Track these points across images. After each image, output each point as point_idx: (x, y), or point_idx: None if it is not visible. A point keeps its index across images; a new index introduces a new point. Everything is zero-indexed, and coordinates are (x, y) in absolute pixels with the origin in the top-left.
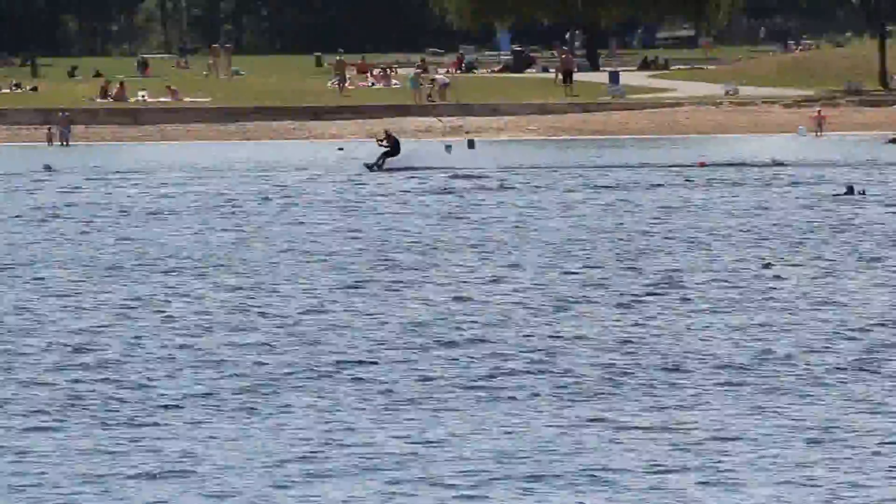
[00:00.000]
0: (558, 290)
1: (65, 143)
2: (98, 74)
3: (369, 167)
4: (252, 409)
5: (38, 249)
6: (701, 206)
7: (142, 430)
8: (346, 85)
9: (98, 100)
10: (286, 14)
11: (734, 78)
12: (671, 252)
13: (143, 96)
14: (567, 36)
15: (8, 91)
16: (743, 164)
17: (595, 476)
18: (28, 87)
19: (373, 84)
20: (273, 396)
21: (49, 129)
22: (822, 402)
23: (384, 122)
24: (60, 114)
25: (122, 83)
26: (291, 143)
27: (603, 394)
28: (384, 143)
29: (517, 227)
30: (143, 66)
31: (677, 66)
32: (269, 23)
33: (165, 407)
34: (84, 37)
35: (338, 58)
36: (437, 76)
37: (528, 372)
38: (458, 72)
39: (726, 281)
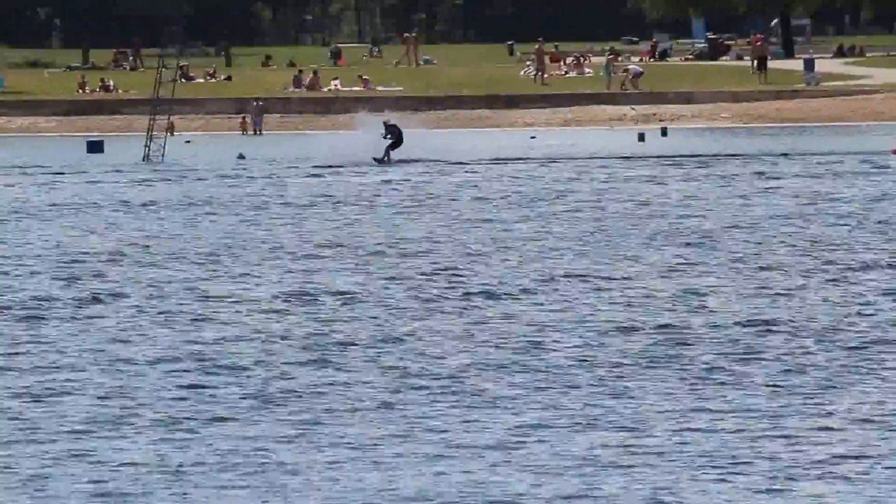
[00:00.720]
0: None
1: (257, 132)
2: (291, 64)
3: (378, 161)
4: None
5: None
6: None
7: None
8: (544, 73)
9: (291, 89)
10: (479, 3)
11: None
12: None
13: (335, 85)
14: (766, 24)
15: (202, 80)
16: None
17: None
18: (222, 77)
19: (566, 73)
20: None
21: (244, 118)
22: None
23: (578, 111)
24: (254, 103)
25: (315, 72)
26: (484, 132)
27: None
28: (388, 136)
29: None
30: (337, 55)
31: (873, 54)
32: (461, 12)
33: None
34: (278, 26)
35: (536, 46)
36: (630, 66)
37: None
38: (652, 60)
39: None
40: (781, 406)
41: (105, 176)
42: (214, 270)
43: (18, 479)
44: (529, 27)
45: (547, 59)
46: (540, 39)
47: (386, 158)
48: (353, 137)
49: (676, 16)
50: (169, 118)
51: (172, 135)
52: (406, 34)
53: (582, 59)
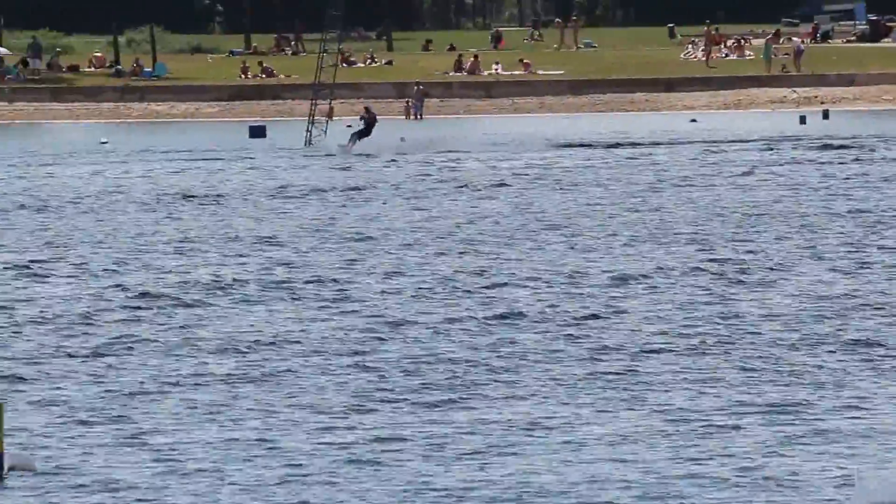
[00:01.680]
0: None
1: (418, 116)
2: (452, 48)
3: (341, 147)
4: None
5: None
6: None
7: None
8: (710, 55)
9: (452, 73)
10: None
11: None
12: None
13: (496, 69)
14: None
15: (363, 65)
16: None
17: None
18: (383, 61)
19: (727, 55)
20: None
21: (407, 102)
22: None
23: (738, 94)
24: (415, 87)
25: (475, 56)
26: (644, 115)
27: None
28: (361, 121)
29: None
30: (497, 39)
31: None
32: None
33: None
34: (438, 10)
35: (705, 28)
36: (794, 39)
37: None
38: (813, 42)
39: None
40: None
41: (270, 160)
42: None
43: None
44: (690, 10)
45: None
46: (707, 22)
47: (349, 145)
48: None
49: None
50: (330, 103)
51: (331, 119)
52: (558, 21)
53: (743, 41)
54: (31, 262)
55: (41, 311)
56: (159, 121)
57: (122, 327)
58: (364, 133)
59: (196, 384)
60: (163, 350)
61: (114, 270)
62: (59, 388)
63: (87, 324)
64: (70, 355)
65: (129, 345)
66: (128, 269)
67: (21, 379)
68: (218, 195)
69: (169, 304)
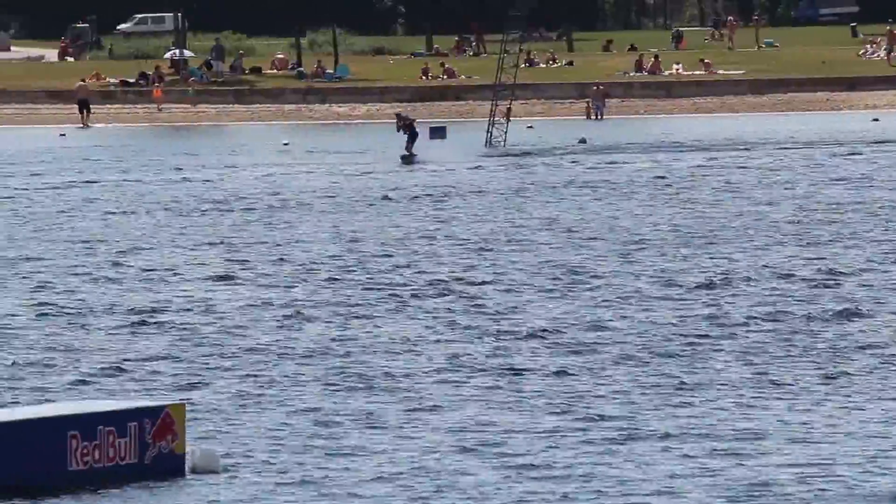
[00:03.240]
0: None
1: (599, 116)
2: (632, 48)
3: (404, 159)
4: None
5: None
6: None
7: None
8: (891, 54)
9: (632, 73)
10: None
11: None
12: None
13: (676, 69)
14: None
15: (544, 66)
16: None
17: None
18: (564, 62)
19: None
20: None
21: (588, 102)
22: None
23: None
24: (595, 87)
25: (656, 56)
26: (825, 115)
27: None
28: (402, 130)
29: None
30: (678, 38)
31: None
32: None
33: None
34: (619, 11)
35: (888, 27)
36: None
37: None
38: None
39: None
40: None
41: (451, 161)
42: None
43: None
44: (872, 8)
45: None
46: (890, 21)
47: (411, 154)
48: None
49: None
50: (510, 103)
51: (510, 120)
52: (731, 20)
53: None
54: (240, 262)
55: (245, 310)
56: (341, 122)
57: (321, 327)
58: (412, 138)
59: (415, 383)
60: (359, 350)
61: (338, 268)
62: (245, 386)
63: (293, 323)
64: (271, 353)
65: (330, 345)
66: (343, 267)
67: (210, 379)
68: (416, 196)
69: (380, 303)
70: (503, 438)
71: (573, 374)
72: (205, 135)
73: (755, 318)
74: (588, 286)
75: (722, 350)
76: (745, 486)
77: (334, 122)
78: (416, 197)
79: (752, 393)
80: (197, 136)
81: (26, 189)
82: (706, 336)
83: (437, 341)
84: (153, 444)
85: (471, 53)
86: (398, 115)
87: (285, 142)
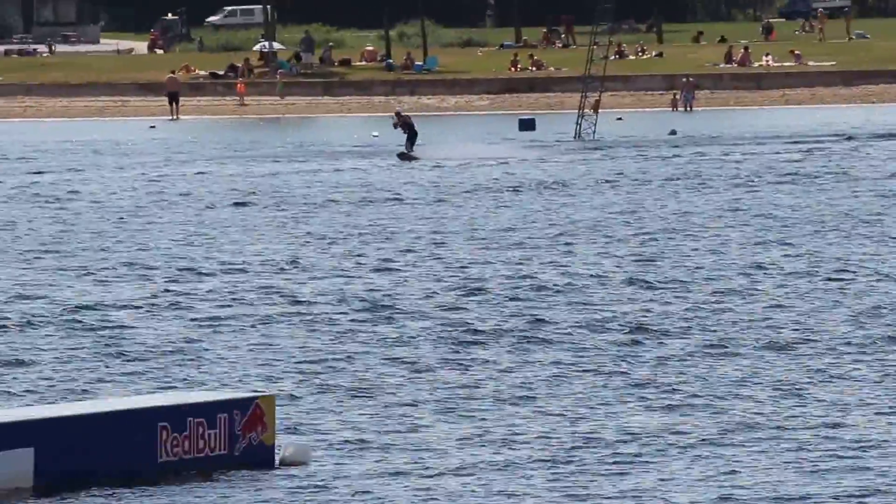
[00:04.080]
0: None
1: (688, 108)
2: (722, 39)
3: (401, 157)
4: None
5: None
6: None
7: None
8: None
9: (722, 65)
10: None
11: None
12: None
13: (766, 61)
14: None
15: (633, 57)
16: None
17: None
18: (653, 53)
19: None
20: None
21: (674, 94)
22: None
23: None
24: (685, 79)
25: (746, 48)
26: None
27: None
28: (401, 128)
29: None
30: (768, 30)
31: None
32: None
33: None
34: (709, 2)
35: None
36: None
37: None
38: None
39: None
40: None
41: (540, 153)
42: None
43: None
44: (864, 2)
45: None
46: None
47: (410, 152)
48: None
49: None
50: (599, 95)
51: (598, 112)
52: (821, 10)
53: None
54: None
55: (335, 302)
56: (429, 114)
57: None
58: (412, 137)
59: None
60: (449, 340)
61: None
62: (334, 378)
63: (380, 315)
64: (369, 343)
65: (419, 337)
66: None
67: (307, 370)
68: (516, 186)
69: (465, 295)
70: (600, 436)
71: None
72: (296, 126)
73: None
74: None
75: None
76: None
77: (423, 114)
78: (517, 188)
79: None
80: (290, 128)
81: (127, 178)
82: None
83: (540, 337)
84: (243, 435)
85: (560, 45)
86: (397, 114)
87: (375, 133)
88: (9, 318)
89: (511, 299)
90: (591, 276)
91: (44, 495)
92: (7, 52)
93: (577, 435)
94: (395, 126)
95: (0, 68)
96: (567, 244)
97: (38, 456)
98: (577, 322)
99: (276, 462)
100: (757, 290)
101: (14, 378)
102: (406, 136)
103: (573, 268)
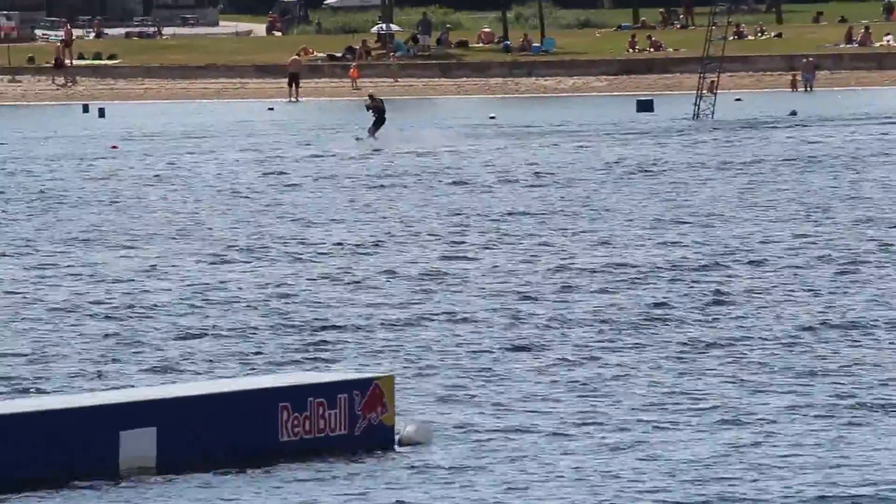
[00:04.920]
0: None
1: (808, 88)
2: (842, 19)
3: (360, 141)
4: None
5: None
6: None
7: None
8: None
9: (842, 45)
10: None
11: None
12: None
13: (887, 41)
14: None
15: (752, 38)
16: None
17: None
18: (772, 34)
19: None
20: None
21: (793, 75)
22: None
23: None
24: (805, 60)
25: (866, 28)
26: None
27: None
28: (372, 111)
29: None
30: (889, 10)
31: None
32: None
33: None
34: None
35: None
36: None
37: None
38: None
39: None
40: None
41: (656, 134)
42: None
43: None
44: None
45: None
46: None
47: (369, 137)
48: None
49: None
50: (718, 76)
51: (714, 93)
52: None
53: None
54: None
55: (466, 281)
56: (546, 96)
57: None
58: (378, 123)
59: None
60: (580, 323)
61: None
62: (454, 358)
63: (508, 296)
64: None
65: (549, 318)
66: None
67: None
68: (663, 169)
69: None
70: (725, 417)
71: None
72: (411, 108)
73: None
74: None
75: None
76: None
77: (540, 96)
78: (631, 173)
79: None
80: (400, 110)
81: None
82: None
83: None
84: (363, 415)
85: (678, 26)
86: (371, 97)
87: (491, 115)
88: (134, 298)
89: (642, 283)
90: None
91: (166, 474)
92: (128, 35)
93: (716, 436)
94: (368, 108)
95: (120, 50)
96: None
97: (160, 435)
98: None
99: (396, 442)
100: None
101: (136, 358)
102: (374, 119)
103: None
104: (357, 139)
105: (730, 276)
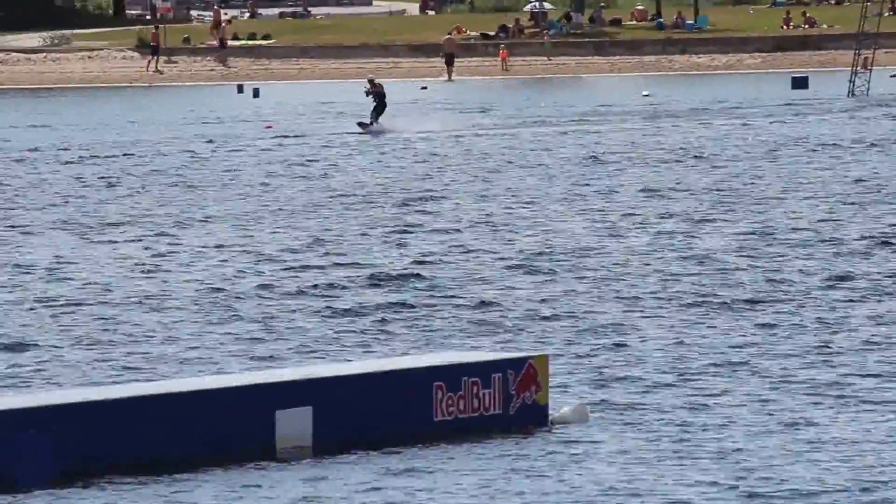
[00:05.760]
0: None
1: None
2: None
3: (362, 126)
4: None
5: None
6: None
7: None
8: None
9: None
10: None
11: None
12: None
13: None
14: None
15: None
16: None
17: None
18: None
19: None
20: None
21: None
22: None
23: None
24: None
25: None
26: None
27: None
28: (372, 96)
29: None
30: None
31: None
32: None
33: None
34: None
35: None
36: None
37: None
38: None
39: None
40: None
41: (816, 112)
42: None
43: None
44: None
45: None
46: None
47: (372, 122)
48: None
49: None
50: (873, 52)
51: (869, 69)
52: None
53: None
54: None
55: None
56: (699, 73)
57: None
58: (379, 108)
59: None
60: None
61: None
62: (607, 338)
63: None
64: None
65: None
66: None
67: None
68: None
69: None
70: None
71: None
72: (562, 87)
73: None
74: None
75: None
76: None
77: (694, 73)
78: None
79: None
80: (553, 89)
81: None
82: None
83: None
84: (517, 395)
85: (833, 2)
86: (370, 81)
87: (646, 93)
88: (283, 278)
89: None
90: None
91: (322, 454)
92: (281, 15)
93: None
94: (368, 94)
95: (274, 31)
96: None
97: (316, 415)
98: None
99: (550, 422)
100: None
101: (290, 336)
102: (374, 105)
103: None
104: (360, 125)
105: None
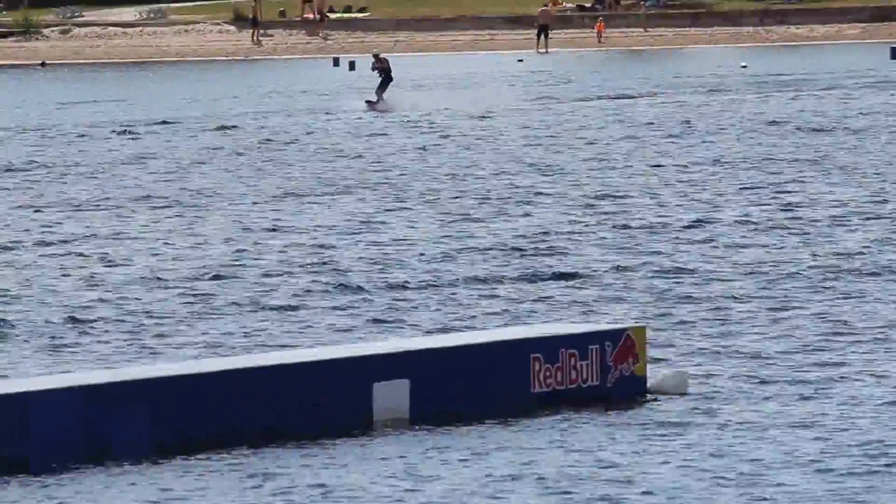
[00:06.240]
0: None
1: None
2: None
3: (369, 104)
4: None
5: None
6: None
7: None
8: None
9: None
10: None
11: None
12: None
13: None
14: None
15: None
16: None
17: None
18: None
19: None
20: None
21: None
22: None
23: None
24: None
25: None
26: None
27: None
28: (378, 72)
29: None
30: None
31: None
32: None
33: None
34: None
35: None
36: None
37: None
38: None
39: None
40: None
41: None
42: None
43: None
44: None
45: None
46: None
47: (378, 100)
48: None
49: None
50: None
51: None
52: None
53: None
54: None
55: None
56: (798, 44)
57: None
58: (385, 83)
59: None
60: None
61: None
62: (705, 310)
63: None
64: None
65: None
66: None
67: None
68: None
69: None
70: None
71: None
72: (658, 59)
73: None
74: None
75: None
76: None
77: (792, 44)
78: None
79: None
80: (649, 60)
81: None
82: None
83: None
84: (614, 366)
85: None
86: (376, 56)
87: (743, 64)
88: (388, 249)
89: None
90: None
91: (420, 426)
92: None
93: None
94: (373, 69)
95: (370, 4)
96: None
97: (413, 387)
98: None
99: (648, 390)
100: None
101: (391, 309)
102: (380, 80)
103: None
104: (367, 102)
105: None
